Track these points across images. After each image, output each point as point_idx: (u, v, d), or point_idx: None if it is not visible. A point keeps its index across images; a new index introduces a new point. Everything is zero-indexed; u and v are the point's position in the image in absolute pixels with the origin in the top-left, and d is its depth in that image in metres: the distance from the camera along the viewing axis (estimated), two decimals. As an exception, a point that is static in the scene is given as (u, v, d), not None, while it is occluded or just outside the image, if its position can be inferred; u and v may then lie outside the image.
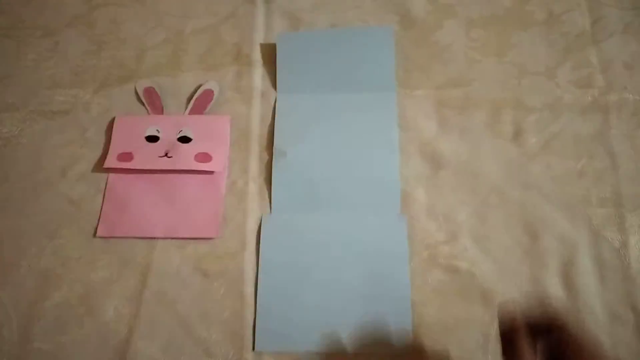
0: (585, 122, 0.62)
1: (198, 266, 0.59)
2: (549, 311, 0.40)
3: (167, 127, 0.65)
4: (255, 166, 0.64)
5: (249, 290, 0.57)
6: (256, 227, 0.60)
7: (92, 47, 0.71)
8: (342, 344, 0.54)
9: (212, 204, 0.61)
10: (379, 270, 0.57)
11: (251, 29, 0.70)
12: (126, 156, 0.63)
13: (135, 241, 0.60)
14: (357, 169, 0.62)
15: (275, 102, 0.66)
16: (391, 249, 0.58)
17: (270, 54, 0.68)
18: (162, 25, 0.72)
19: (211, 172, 0.63)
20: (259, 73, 0.68)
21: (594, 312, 0.54)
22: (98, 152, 0.65)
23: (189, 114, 0.66)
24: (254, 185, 0.63)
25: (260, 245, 0.59)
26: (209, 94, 0.66)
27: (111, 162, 0.63)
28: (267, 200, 0.62)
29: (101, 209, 0.62)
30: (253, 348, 0.55)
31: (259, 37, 0.70)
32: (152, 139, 0.64)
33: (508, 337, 0.40)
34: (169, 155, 0.63)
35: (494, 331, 0.54)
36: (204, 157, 0.63)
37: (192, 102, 0.66)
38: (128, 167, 0.63)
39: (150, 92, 0.67)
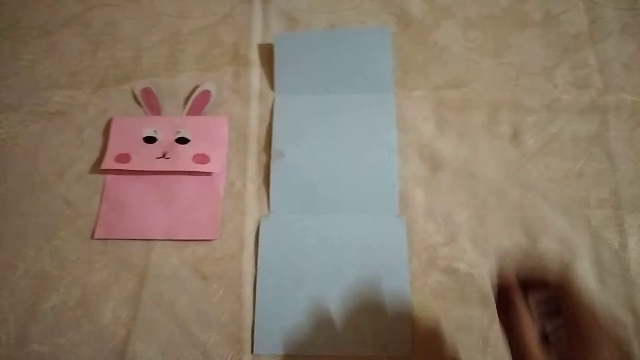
0: (584, 123, 0.62)
1: (196, 268, 0.59)
2: (545, 266, 0.40)
3: (164, 128, 0.65)
4: (253, 167, 0.63)
5: (248, 292, 0.57)
6: (255, 229, 0.60)
7: (89, 48, 0.71)
8: (340, 347, 0.54)
9: (210, 206, 0.61)
10: (378, 271, 0.57)
11: (248, 30, 0.70)
12: (124, 157, 0.63)
13: (133, 243, 0.60)
14: (355, 170, 0.62)
15: (273, 102, 0.66)
16: (390, 250, 0.58)
17: (267, 55, 0.68)
18: (159, 26, 0.71)
19: (209, 174, 0.62)
20: (256, 73, 0.68)
21: (592, 314, 0.54)
22: (95, 153, 0.65)
23: (187, 114, 0.66)
24: (252, 186, 0.62)
25: (259, 246, 0.59)
26: (206, 94, 0.66)
27: (108, 163, 0.63)
28: (266, 201, 0.61)
29: (99, 210, 0.62)
30: (252, 351, 0.55)
31: (257, 38, 0.70)
32: (150, 140, 0.64)
33: (503, 293, 0.40)
34: (166, 156, 0.63)
35: (493, 333, 0.54)
36: (202, 158, 0.63)
37: (189, 102, 0.66)
38: (125, 169, 0.62)
39: (147, 92, 0.67)
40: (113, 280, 0.59)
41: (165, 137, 0.64)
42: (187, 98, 0.67)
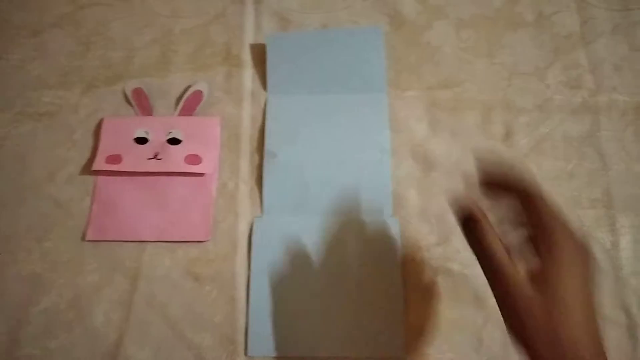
0: (576, 123, 0.63)
1: (189, 270, 0.58)
2: (507, 171, 0.40)
3: (156, 129, 0.64)
4: (245, 168, 0.63)
5: (241, 293, 0.57)
6: (247, 230, 0.60)
7: (79, 48, 0.70)
8: (334, 348, 0.54)
9: (203, 207, 0.61)
10: (372, 272, 0.57)
11: (241, 30, 0.70)
12: (115, 158, 0.63)
13: (125, 245, 0.60)
14: (348, 170, 0.61)
15: (265, 103, 0.66)
16: (383, 251, 0.58)
17: (260, 55, 0.68)
18: (151, 25, 0.71)
19: (201, 174, 0.62)
20: (248, 74, 0.68)
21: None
22: (86, 154, 0.64)
23: (179, 115, 0.65)
24: (245, 187, 0.62)
25: (252, 248, 0.59)
26: (198, 95, 0.66)
27: (99, 164, 0.62)
28: (258, 202, 0.61)
29: (90, 212, 0.61)
30: (245, 352, 0.55)
31: (249, 38, 0.70)
32: (141, 140, 0.64)
33: (466, 214, 0.40)
34: (158, 157, 0.63)
35: (487, 333, 0.54)
36: (194, 158, 0.62)
37: (181, 103, 0.65)
38: (117, 170, 0.62)
39: (138, 93, 0.66)
40: (105, 283, 0.58)
41: (157, 137, 0.64)
42: (179, 98, 0.66)
